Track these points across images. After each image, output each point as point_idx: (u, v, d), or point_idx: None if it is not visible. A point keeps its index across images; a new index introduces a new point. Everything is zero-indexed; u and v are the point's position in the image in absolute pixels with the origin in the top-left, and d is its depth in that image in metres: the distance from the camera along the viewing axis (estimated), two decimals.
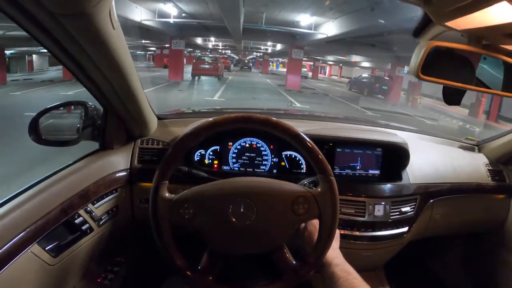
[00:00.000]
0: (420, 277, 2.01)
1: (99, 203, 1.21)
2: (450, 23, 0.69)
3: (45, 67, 29.21)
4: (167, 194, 0.93)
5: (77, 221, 1.10)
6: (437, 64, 0.76)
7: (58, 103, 1.22)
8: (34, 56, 27.93)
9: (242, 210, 0.91)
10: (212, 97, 14.34)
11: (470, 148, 1.83)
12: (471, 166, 1.67)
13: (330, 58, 33.44)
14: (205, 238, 0.95)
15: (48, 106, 1.19)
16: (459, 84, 0.81)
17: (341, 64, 38.44)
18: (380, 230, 1.39)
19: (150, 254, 1.56)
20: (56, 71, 24.66)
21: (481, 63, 0.81)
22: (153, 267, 1.56)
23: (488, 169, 1.68)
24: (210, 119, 0.95)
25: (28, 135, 1.13)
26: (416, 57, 0.76)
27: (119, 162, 1.32)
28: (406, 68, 21.51)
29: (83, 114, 1.24)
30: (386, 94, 21.79)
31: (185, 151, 0.99)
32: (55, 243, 1.02)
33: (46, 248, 0.99)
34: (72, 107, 1.29)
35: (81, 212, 1.12)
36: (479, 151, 1.82)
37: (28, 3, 0.74)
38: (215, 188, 0.96)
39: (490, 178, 1.66)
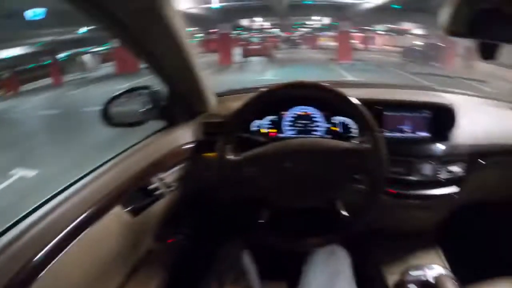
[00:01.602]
0: (472, 243, 1.89)
1: (169, 171, 1.33)
2: None
3: (98, 65, 30.09)
4: (232, 156, 1.05)
5: (151, 187, 1.23)
6: (473, 20, 0.71)
7: (124, 90, 1.35)
8: (86, 55, 29.04)
9: (300, 165, 1.03)
10: (263, 77, 14.70)
11: None
12: None
13: (380, 27, 32.12)
14: (266, 195, 1.08)
15: (115, 94, 1.33)
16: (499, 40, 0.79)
17: (391, 33, 36.74)
18: (429, 188, 1.41)
19: (212, 218, 1.76)
20: (108, 67, 25.81)
21: None
22: (216, 229, 1.68)
23: None
24: (264, 89, 1.05)
25: (101, 121, 1.30)
26: (447, 12, 0.72)
27: (185, 135, 1.43)
28: None
29: (147, 97, 1.37)
30: (440, 60, 20.74)
31: (244, 118, 1.11)
32: (134, 205, 1.15)
33: (127, 210, 1.12)
34: (136, 93, 1.39)
35: (155, 179, 1.25)
36: None
37: (109, 1, 0.89)
38: (275, 148, 1.07)
39: None
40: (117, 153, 1.24)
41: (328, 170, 1.05)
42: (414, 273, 1.31)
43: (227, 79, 14.32)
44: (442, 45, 21.13)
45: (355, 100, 1.02)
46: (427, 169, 1.39)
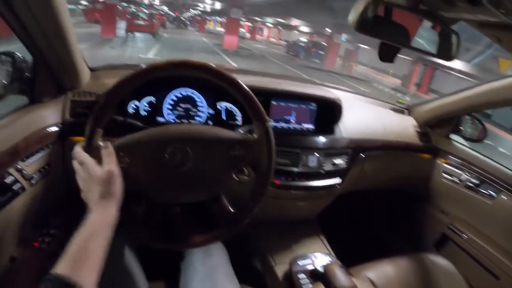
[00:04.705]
0: (350, 229, 2.13)
1: (30, 160, 1.11)
2: None
3: None
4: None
5: (7, 180, 1.02)
6: (376, 20, 0.80)
7: None
8: None
9: (178, 156, 0.91)
10: (146, 55, 13.62)
11: (401, 111, 1.94)
12: (401, 126, 1.78)
13: (269, 20, 33.25)
14: (141, 189, 0.93)
15: None
16: (394, 43, 0.88)
17: (280, 27, 38.32)
18: (313, 180, 1.43)
19: (86, 213, 1.49)
20: None
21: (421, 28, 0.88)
22: None
23: (416, 131, 1.80)
24: (147, 65, 0.91)
25: None
26: (356, 10, 0.78)
27: (49, 116, 1.21)
28: (344, 36, 22.19)
29: (10, 66, 1.13)
30: (322, 59, 22.31)
31: (120, 98, 0.92)
32: None
33: None
34: None
35: (11, 170, 1.04)
36: (409, 114, 1.93)
37: None
38: (150, 135, 0.93)
39: (418, 138, 1.78)
40: None
41: (212, 162, 0.95)
42: (302, 262, 1.38)
43: (107, 54, 12.73)
44: (325, 44, 22.76)
45: (247, 88, 0.94)
46: (312, 161, 1.42)
